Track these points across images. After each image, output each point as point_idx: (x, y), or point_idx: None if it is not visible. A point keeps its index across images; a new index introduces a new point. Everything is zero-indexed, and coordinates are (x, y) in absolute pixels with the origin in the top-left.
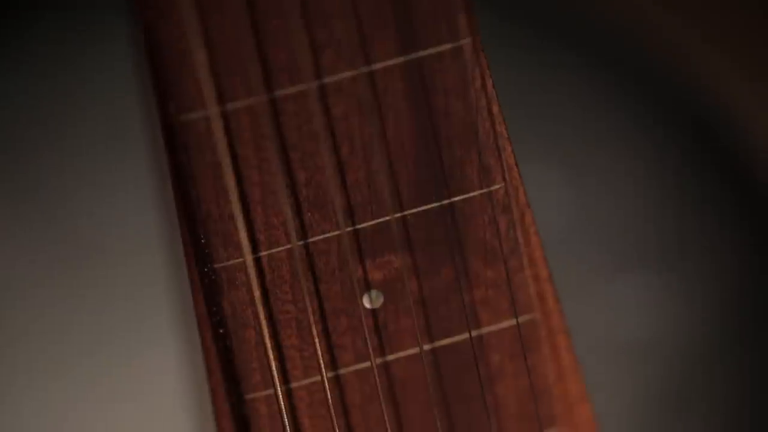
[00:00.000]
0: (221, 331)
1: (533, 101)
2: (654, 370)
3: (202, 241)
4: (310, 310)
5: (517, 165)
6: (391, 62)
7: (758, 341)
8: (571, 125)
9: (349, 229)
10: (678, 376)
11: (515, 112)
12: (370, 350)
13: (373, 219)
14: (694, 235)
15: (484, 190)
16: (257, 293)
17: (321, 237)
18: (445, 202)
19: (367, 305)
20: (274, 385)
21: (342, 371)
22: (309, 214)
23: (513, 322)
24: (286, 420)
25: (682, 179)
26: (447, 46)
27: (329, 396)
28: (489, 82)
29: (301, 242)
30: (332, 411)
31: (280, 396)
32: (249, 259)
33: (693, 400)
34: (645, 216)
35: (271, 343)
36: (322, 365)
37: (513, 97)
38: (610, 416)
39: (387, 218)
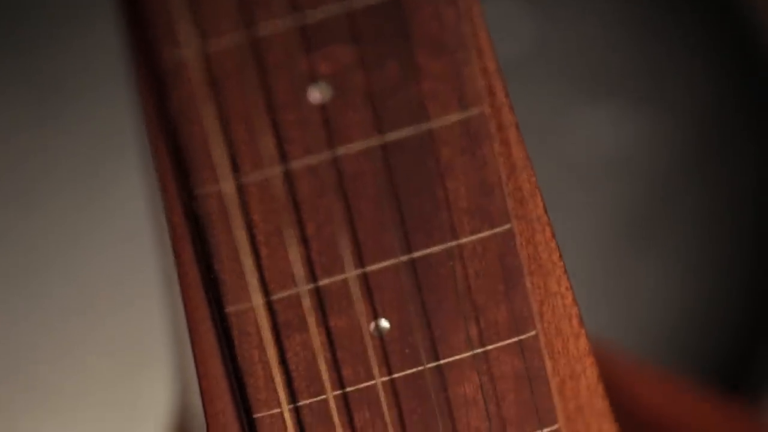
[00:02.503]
0: (168, 126)
1: None
2: (622, 190)
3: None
4: (257, 104)
5: None
6: None
7: (727, 162)
8: None
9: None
10: (646, 197)
11: None
12: (320, 144)
13: (319, 10)
14: (666, 63)
15: None
16: (204, 90)
17: (268, 32)
18: None
19: (316, 97)
20: (222, 180)
21: (292, 166)
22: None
23: (462, 115)
24: (238, 216)
25: (653, 9)
26: None
27: (280, 191)
28: None
29: (247, 32)
30: (283, 206)
31: (232, 192)
32: (194, 52)
33: (660, 222)
34: (617, 45)
35: (219, 137)
36: (271, 159)
37: None
38: (580, 235)
39: (334, 9)
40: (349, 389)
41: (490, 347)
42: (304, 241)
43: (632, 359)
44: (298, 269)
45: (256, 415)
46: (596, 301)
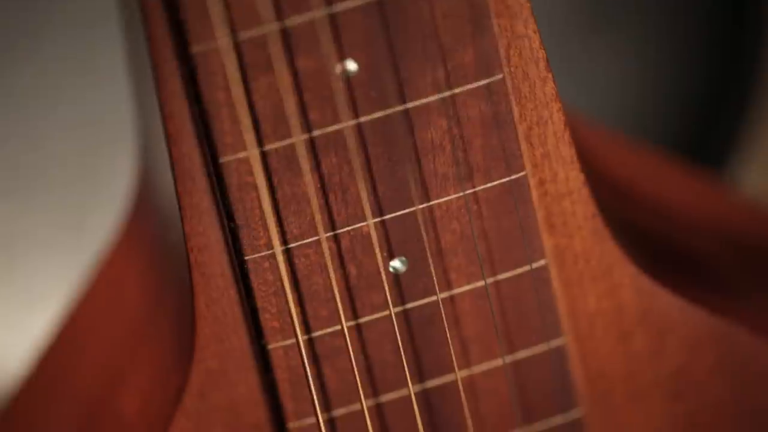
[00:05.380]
0: None
1: None
2: None
3: None
4: None
5: None
6: None
7: None
8: None
9: None
10: None
11: None
12: None
13: None
14: None
15: None
16: None
17: None
18: None
19: None
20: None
21: None
22: None
23: None
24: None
25: None
26: None
27: None
28: None
29: None
30: None
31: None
32: None
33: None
34: None
35: None
36: None
37: None
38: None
39: None
40: (316, 133)
41: (457, 90)
42: None
43: (601, 127)
44: (265, 7)
45: (222, 159)
46: (558, 80)
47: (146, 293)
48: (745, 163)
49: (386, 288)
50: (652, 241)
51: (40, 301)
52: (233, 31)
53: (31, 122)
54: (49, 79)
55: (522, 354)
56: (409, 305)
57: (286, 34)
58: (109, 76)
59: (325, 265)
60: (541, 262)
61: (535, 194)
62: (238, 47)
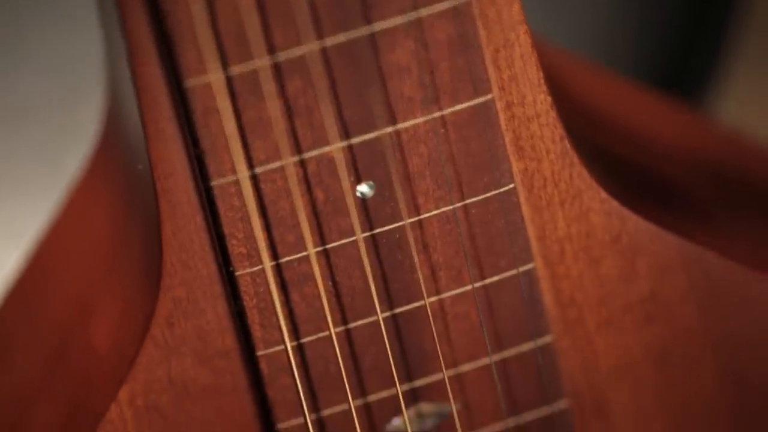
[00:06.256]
0: None
1: None
2: None
3: None
4: None
5: None
6: None
7: None
8: None
9: None
10: None
11: None
12: None
13: None
14: None
15: None
16: None
17: None
18: None
19: None
20: None
21: None
22: None
23: None
24: None
25: None
26: None
27: None
28: None
29: None
30: None
31: None
32: None
33: None
34: None
35: None
36: None
37: None
38: None
39: None
40: (280, 56)
41: (424, 12)
42: None
43: (572, 54)
44: None
45: (186, 84)
46: (526, 7)
47: (115, 223)
48: (722, 95)
49: (354, 213)
50: (624, 169)
51: (19, 238)
52: None
53: (10, 65)
54: (25, 21)
55: (491, 279)
56: (377, 230)
57: None
58: (85, 17)
59: (292, 190)
60: (510, 186)
61: (502, 117)
62: None
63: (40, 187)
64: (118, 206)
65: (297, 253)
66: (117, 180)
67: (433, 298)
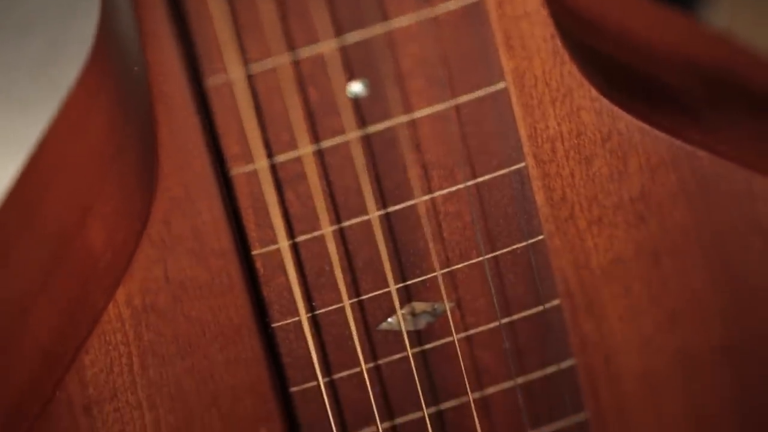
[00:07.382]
0: None
1: None
2: None
3: None
4: None
5: None
6: None
7: None
8: None
9: None
10: None
11: None
12: None
13: None
14: None
15: None
16: None
17: None
18: None
19: None
20: None
21: None
22: None
23: None
24: None
25: None
26: None
27: None
28: None
29: None
30: None
31: None
32: None
33: None
34: None
35: None
36: None
37: None
38: None
39: None
40: None
41: None
42: None
43: None
44: None
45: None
46: None
47: (111, 127)
48: (714, 3)
49: (347, 112)
50: (615, 69)
51: (18, 153)
52: None
53: None
54: None
55: (483, 178)
56: (371, 129)
57: None
58: None
59: (285, 89)
60: (501, 85)
61: (493, 15)
62: None
63: (38, 100)
64: (114, 110)
65: (291, 152)
66: (113, 84)
67: (426, 197)
